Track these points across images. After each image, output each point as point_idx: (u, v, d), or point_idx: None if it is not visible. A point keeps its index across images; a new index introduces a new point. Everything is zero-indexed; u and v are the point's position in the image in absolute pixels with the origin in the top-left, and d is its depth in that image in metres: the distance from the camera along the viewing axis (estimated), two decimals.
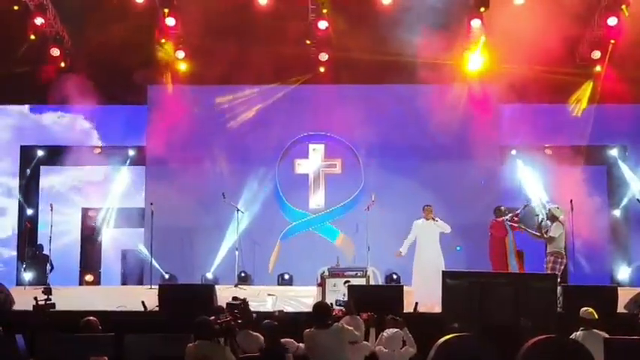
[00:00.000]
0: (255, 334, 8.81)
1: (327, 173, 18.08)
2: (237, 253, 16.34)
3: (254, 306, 10.06)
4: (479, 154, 17.39)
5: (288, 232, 17.81)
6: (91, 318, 9.17)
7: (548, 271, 12.84)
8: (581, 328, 9.36)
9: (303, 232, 17.82)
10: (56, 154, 18.26)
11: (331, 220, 17.80)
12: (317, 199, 17.99)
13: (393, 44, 16.39)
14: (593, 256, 17.13)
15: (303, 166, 18.12)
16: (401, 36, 16.13)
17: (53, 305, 10.04)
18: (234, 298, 9.41)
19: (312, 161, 18.09)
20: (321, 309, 8.91)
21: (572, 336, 9.16)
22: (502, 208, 14.38)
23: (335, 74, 17.76)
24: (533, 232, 13.69)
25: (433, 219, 14.00)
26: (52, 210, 16.27)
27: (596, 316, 9.47)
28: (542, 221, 13.60)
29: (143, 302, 11.98)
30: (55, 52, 17.46)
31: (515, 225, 13.94)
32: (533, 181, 17.79)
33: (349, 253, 16.82)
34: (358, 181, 17.83)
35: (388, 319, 9.46)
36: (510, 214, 14.19)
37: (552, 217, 13.37)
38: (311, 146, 18.12)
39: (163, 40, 17.31)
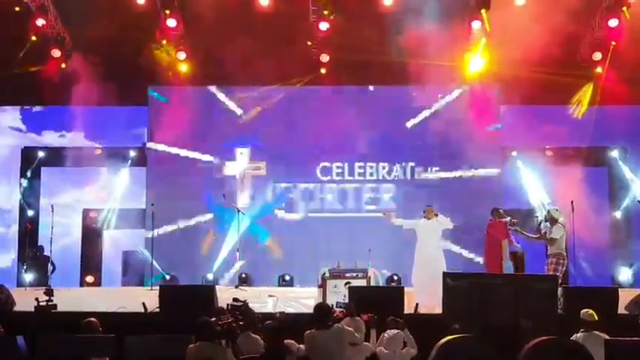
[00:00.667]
0: (255, 336, 8.80)
1: (253, 175, 18.05)
2: (237, 254, 16.39)
3: (255, 307, 10.06)
4: (479, 156, 17.38)
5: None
6: (92, 319, 9.17)
7: (550, 273, 12.83)
8: (582, 330, 9.35)
9: (303, 233, 17.80)
10: (57, 155, 18.27)
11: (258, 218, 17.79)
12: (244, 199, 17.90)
13: (395, 45, 16.40)
14: (594, 258, 17.11)
15: (230, 168, 18.08)
16: (402, 37, 16.13)
17: (55, 306, 10.06)
18: (235, 300, 9.42)
19: (239, 163, 18.08)
20: (322, 310, 8.91)
21: (573, 337, 9.16)
22: (500, 210, 14.35)
23: (336, 75, 17.76)
24: (531, 235, 13.66)
25: (435, 215, 14.00)
26: (52, 211, 16.27)
27: (597, 318, 9.46)
28: (540, 223, 13.57)
29: (144, 303, 11.97)
30: (56, 53, 17.48)
31: (513, 228, 13.91)
32: (534, 183, 17.79)
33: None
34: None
35: (389, 320, 9.45)
36: (510, 217, 14.15)
37: (552, 219, 13.35)
38: (238, 150, 18.09)
39: (164, 42, 17.32)
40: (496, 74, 17.24)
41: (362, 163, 18.02)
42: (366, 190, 17.88)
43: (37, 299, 9.93)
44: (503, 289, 9.95)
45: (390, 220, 14.30)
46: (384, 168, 17.98)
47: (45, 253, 16.33)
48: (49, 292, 10.09)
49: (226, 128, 17.99)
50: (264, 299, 13.36)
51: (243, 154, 18.06)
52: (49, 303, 9.97)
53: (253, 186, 17.99)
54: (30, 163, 18.31)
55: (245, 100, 17.89)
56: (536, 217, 14.29)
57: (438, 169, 17.86)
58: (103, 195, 18.15)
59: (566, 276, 14.21)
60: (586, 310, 9.52)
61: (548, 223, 13.38)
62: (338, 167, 18.05)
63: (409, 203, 17.60)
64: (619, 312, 11.57)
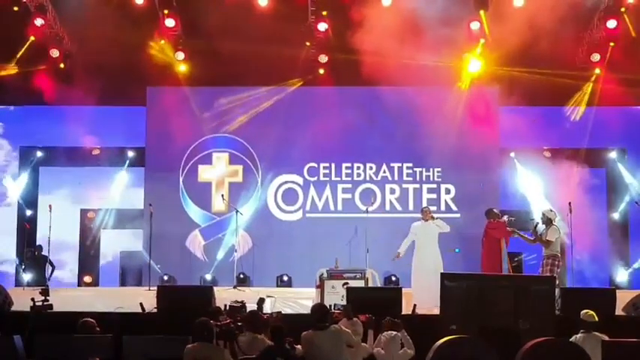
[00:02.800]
0: (261, 337, 8.80)
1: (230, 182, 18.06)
2: (235, 254, 16.40)
3: (252, 308, 10.06)
4: (478, 157, 17.37)
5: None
6: (88, 319, 9.16)
7: (546, 274, 12.85)
8: (582, 331, 9.35)
9: (301, 234, 17.79)
10: (55, 155, 18.27)
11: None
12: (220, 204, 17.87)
13: (393, 46, 16.37)
14: (592, 259, 17.13)
15: (207, 172, 18.10)
16: (401, 38, 16.11)
17: (51, 306, 10.05)
18: (235, 302, 9.44)
19: (217, 168, 18.10)
20: (320, 311, 8.91)
21: (573, 338, 9.16)
22: (495, 210, 14.38)
23: (335, 76, 17.76)
24: (528, 237, 13.66)
25: (432, 217, 14.01)
26: (50, 211, 16.26)
27: (597, 319, 9.46)
28: (536, 225, 13.57)
29: (141, 303, 11.97)
30: (55, 53, 17.47)
31: (510, 229, 13.93)
32: (532, 184, 17.79)
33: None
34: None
35: (386, 321, 9.46)
36: (506, 216, 14.18)
37: (547, 221, 13.36)
38: (215, 154, 18.12)
39: (163, 42, 17.32)
40: (495, 75, 17.26)
41: (360, 164, 18.02)
42: (366, 191, 17.86)
43: (32, 299, 9.92)
44: (501, 290, 9.94)
45: (401, 257, 14.28)
46: (384, 170, 17.98)
47: (43, 253, 16.32)
48: (45, 292, 10.08)
49: (224, 129, 17.98)
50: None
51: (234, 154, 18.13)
52: (45, 303, 9.96)
53: (249, 187, 18.00)
54: (28, 162, 18.29)
55: (242, 100, 17.86)
56: (532, 219, 14.27)
57: (436, 169, 17.87)
58: (101, 195, 18.13)
59: (562, 277, 14.24)
60: (586, 310, 9.52)
61: (543, 225, 13.39)
62: (338, 168, 18.04)
63: (408, 203, 17.72)
64: (617, 313, 11.59)
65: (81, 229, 18.21)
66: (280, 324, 8.78)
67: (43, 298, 9.99)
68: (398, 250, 14.20)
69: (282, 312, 10.66)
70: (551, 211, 13.68)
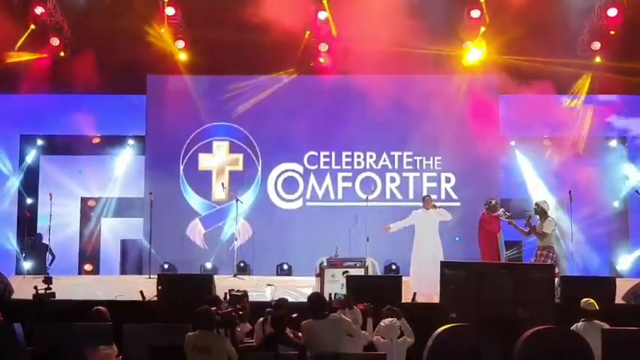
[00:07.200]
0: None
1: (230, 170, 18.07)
2: (235, 243, 16.42)
3: (253, 296, 10.09)
4: (478, 145, 17.35)
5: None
6: (101, 307, 9.26)
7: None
8: (582, 319, 9.37)
9: (301, 222, 17.81)
10: (55, 144, 18.28)
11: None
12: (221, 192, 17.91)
13: (394, 35, 16.34)
14: (593, 247, 17.16)
15: (207, 161, 18.10)
16: (401, 26, 16.08)
17: (53, 294, 10.05)
18: (237, 291, 9.46)
19: (217, 156, 18.10)
20: (316, 300, 8.92)
21: (573, 327, 9.18)
22: (493, 201, 14.36)
23: (335, 65, 17.73)
24: (523, 229, 13.64)
25: (434, 207, 14.02)
26: (51, 199, 16.29)
27: (597, 307, 9.48)
28: (530, 217, 13.54)
29: (142, 292, 11.99)
30: (55, 41, 17.46)
31: (507, 221, 13.92)
32: (532, 172, 17.79)
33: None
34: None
35: (386, 309, 9.48)
36: (502, 210, 14.17)
37: (541, 212, 13.32)
38: (215, 143, 18.12)
39: (163, 30, 17.30)
40: (495, 63, 17.23)
41: (361, 153, 18.01)
42: (367, 179, 17.87)
43: (35, 287, 9.93)
44: (500, 279, 9.96)
45: (390, 231, 14.32)
46: (384, 159, 17.98)
47: (43, 241, 16.35)
48: (48, 281, 10.09)
49: (224, 118, 17.97)
50: (263, 288, 13.40)
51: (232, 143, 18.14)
52: (48, 291, 9.97)
53: (249, 175, 18.01)
54: (28, 150, 18.30)
55: (243, 89, 17.84)
56: (527, 211, 14.23)
57: (437, 157, 17.87)
58: (102, 183, 18.15)
59: (558, 266, 14.25)
60: (586, 299, 9.54)
61: (538, 217, 13.37)
62: (338, 156, 18.04)
63: (408, 192, 17.72)
64: (616, 302, 11.61)
65: (81, 218, 18.24)
66: (282, 312, 8.80)
67: (45, 286, 10.00)
68: (391, 225, 14.21)
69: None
70: (545, 202, 13.64)
